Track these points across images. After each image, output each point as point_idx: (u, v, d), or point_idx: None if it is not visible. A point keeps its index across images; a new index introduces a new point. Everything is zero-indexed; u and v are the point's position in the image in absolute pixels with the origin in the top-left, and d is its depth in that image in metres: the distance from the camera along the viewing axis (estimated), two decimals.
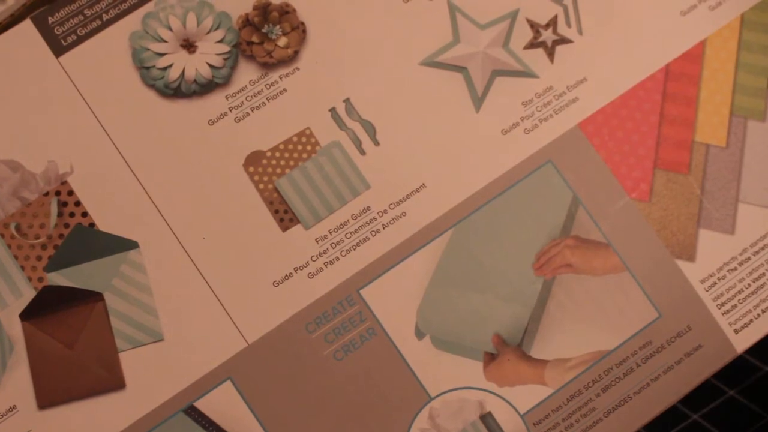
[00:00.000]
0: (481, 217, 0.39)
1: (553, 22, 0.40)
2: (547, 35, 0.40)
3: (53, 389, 0.36)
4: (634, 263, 0.39)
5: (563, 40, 0.40)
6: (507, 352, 0.38)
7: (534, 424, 0.38)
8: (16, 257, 0.37)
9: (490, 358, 0.38)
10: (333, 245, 0.38)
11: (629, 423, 0.38)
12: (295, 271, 0.38)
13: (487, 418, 0.38)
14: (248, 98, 0.39)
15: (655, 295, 0.39)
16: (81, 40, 0.39)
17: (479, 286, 0.38)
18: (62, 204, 0.37)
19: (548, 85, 0.40)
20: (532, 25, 0.40)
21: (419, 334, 0.38)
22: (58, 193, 0.38)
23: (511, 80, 0.40)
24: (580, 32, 0.40)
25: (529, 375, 0.38)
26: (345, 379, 0.38)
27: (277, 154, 0.39)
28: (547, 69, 0.40)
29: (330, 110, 0.39)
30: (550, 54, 0.40)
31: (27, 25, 0.39)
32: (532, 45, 0.40)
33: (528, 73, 0.40)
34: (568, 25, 0.40)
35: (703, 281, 0.39)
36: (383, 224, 0.38)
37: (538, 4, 0.40)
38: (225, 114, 0.39)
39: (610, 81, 0.40)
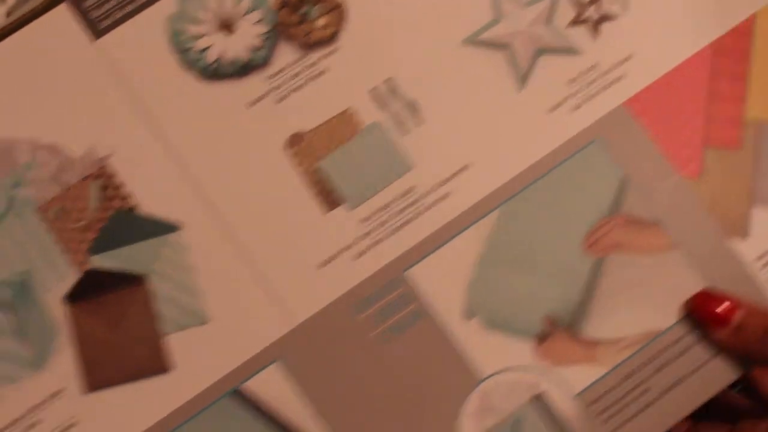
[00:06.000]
0: (529, 197, 0.55)
1: None
2: (591, 12, 0.57)
3: (99, 373, 0.52)
4: (684, 242, 0.55)
5: (608, 17, 0.57)
6: (558, 331, 0.54)
7: (588, 404, 0.54)
8: (58, 241, 0.53)
9: (541, 338, 0.54)
10: (378, 226, 0.54)
11: (685, 403, 0.54)
12: (340, 252, 0.54)
13: (539, 399, 0.53)
14: (288, 79, 0.55)
15: (707, 274, 0.55)
16: (118, 23, 0.55)
17: (529, 265, 0.54)
18: (103, 187, 0.54)
19: (593, 63, 0.56)
20: (576, 2, 0.57)
21: (468, 315, 0.54)
22: (98, 177, 0.54)
23: (555, 58, 0.56)
24: (625, 8, 0.57)
25: (580, 355, 0.54)
26: (393, 361, 0.53)
27: (319, 136, 0.55)
28: (591, 46, 0.57)
29: (371, 90, 0.55)
30: (595, 31, 0.57)
31: (63, 9, 0.55)
32: (576, 22, 0.57)
33: (572, 51, 0.57)
34: (613, 1, 0.57)
35: (756, 259, 0.55)
36: (428, 204, 0.54)
37: None
38: (265, 95, 0.55)
39: (657, 58, 0.57)
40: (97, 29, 0.53)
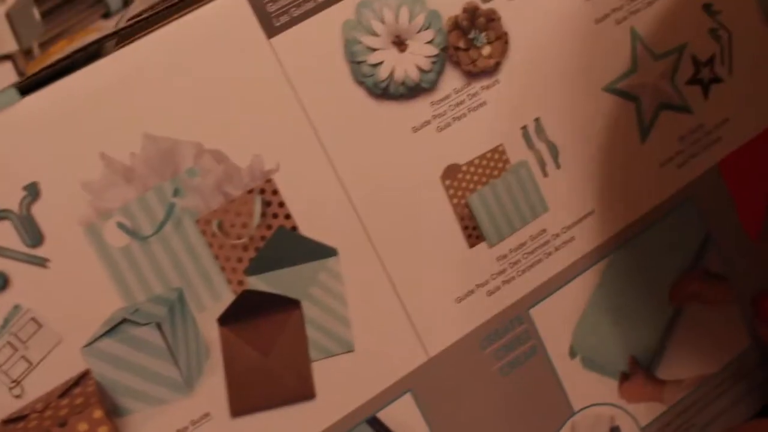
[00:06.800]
0: (634, 247, 0.61)
1: (711, 60, 0.63)
2: (705, 72, 0.63)
3: (247, 397, 0.53)
4: (741, 296, 0.64)
5: (717, 79, 0.63)
6: (638, 372, 0.62)
7: None
8: (216, 257, 0.52)
9: (624, 377, 0.62)
10: (511, 264, 0.58)
11: None
12: (477, 288, 0.58)
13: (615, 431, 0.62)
14: (451, 107, 0.56)
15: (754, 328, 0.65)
16: (294, 21, 0.52)
17: (624, 311, 0.61)
18: (266, 203, 0.53)
19: (700, 122, 0.62)
20: (695, 61, 0.62)
21: (572, 354, 0.60)
22: (262, 191, 0.53)
23: (672, 114, 0.62)
24: (730, 71, 0.63)
25: (650, 394, 0.62)
26: (507, 393, 0.59)
27: (472, 169, 0.57)
28: (701, 106, 0.63)
29: (522, 128, 0.58)
30: (705, 91, 0.63)
31: None
32: (692, 81, 0.62)
33: (687, 109, 0.62)
34: (722, 63, 0.63)
35: None
36: (555, 247, 0.59)
37: (702, 41, 0.62)
38: (428, 122, 0.56)
39: (748, 122, 0.64)
40: (273, 26, 0.51)
